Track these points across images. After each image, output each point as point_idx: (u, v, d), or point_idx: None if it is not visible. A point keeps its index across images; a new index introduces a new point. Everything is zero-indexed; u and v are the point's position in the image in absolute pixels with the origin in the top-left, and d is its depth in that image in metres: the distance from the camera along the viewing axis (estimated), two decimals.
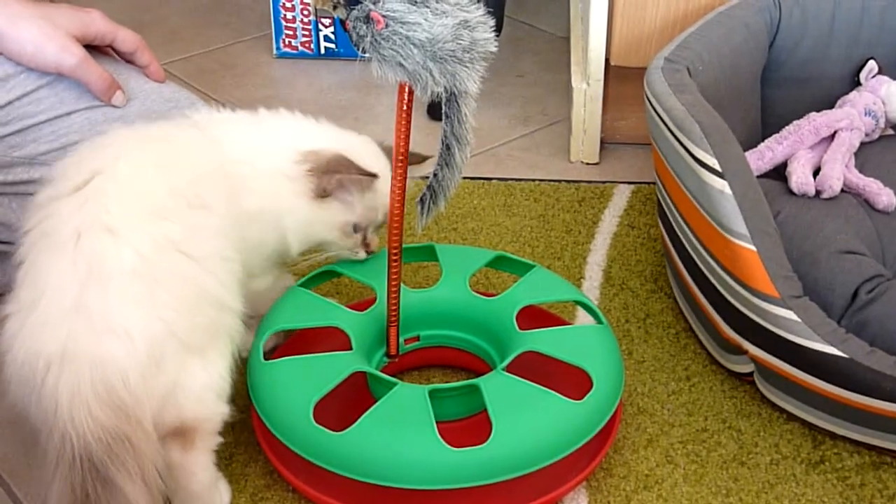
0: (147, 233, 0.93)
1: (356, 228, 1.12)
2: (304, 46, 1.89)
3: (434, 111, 1.63)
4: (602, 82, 1.55)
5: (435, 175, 0.98)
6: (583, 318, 1.25)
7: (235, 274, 1.01)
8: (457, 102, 0.94)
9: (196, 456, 0.95)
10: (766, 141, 1.33)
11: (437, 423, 0.95)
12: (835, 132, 1.31)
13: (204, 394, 0.95)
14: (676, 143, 1.13)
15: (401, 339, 1.11)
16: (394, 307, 1.06)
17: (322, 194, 1.09)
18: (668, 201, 1.21)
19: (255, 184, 1.08)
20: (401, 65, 0.90)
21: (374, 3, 0.89)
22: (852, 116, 1.32)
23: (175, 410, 0.93)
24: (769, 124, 1.41)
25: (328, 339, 1.11)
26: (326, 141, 1.11)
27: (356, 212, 1.10)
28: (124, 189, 0.95)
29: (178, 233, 0.95)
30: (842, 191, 1.24)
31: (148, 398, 0.89)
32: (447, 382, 1.16)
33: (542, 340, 1.06)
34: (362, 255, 1.14)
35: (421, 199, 1.00)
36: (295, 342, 1.16)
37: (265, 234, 1.09)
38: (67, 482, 0.85)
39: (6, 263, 1.29)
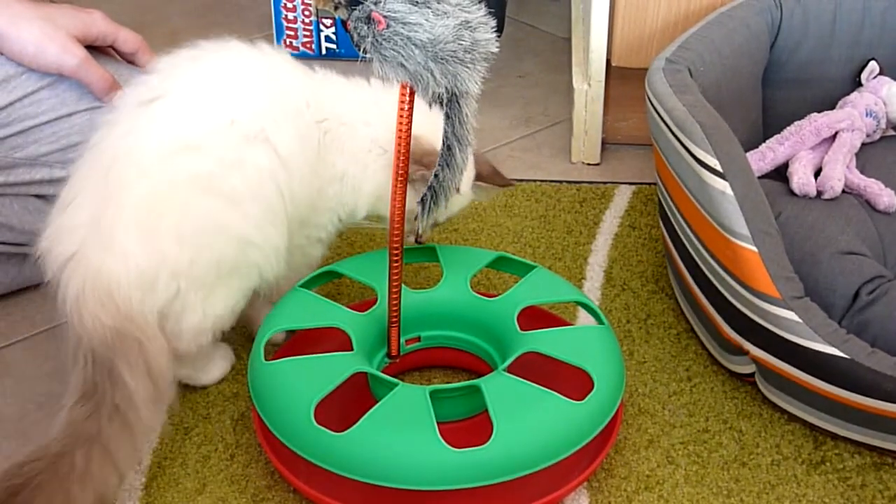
0: (170, 168, 1.01)
1: (416, 216, 1.11)
2: (306, 47, 1.90)
3: None
4: (603, 83, 1.55)
5: (436, 175, 0.98)
6: (584, 318, 1.25)
7: (277, 214, 1.06)
8: (458, 103, 0.94)
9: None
10: (767, 142, 1.33)
11: (438, 423, 0.95)
12: (836, 133, 1.31)
13: (189, 331, 1.05)
14: (677, 144, 1.13)
15: (402, 340, 1.11)
16: (395, 308, 1.06)
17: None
18: (670, 202, 1.21)
19: (350, 146, 1.13)
20: (402, 65, 0.90)
21: (375, 4, 0.89)
22: (853, 117, 1.32)
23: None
24: (770, 125, 1.41)
25: (329, 339, 1.12)
26: (430, 128, 1.06)
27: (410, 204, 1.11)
28: (173, 117, 1.04)
29: (208, 166, 1.02)
30: (843, 191, 1.24)
31: (147, 307, 0.99)
32: (448, 383, 1.16)
33: (543, 341, 1.06)
34: (411, 239, 1.18)
35: (422, 200, 1.00)
36: (296, 343, 1.16)
37: (345, 195, 1.15)
38: (81, 375, 0.96)
39: (8, 264, 1.29)
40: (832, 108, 1.38)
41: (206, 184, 1.02)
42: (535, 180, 1.54)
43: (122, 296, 0.98)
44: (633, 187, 1.52)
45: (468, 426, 1.03)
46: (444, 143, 0.96)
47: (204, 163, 1.03)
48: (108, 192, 1.00)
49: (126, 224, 0.99)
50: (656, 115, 1.19)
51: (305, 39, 1.89)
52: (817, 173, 1.26)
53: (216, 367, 1.17)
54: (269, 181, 1.06)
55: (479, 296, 1.14)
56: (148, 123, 1.03)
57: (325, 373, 1.01)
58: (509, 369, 1.03)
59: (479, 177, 1.17)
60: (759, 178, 1.24)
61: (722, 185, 1.07)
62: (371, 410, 0.97)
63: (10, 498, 0.90)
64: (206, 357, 1.15)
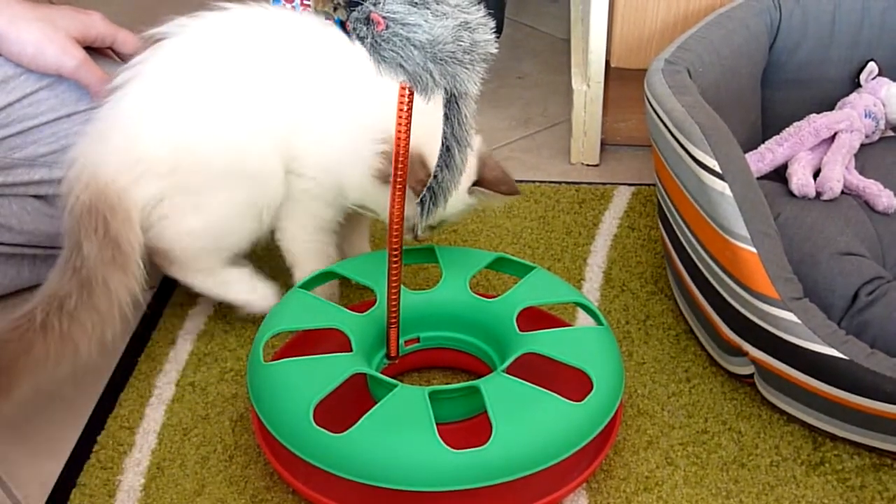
0: (166, 72, 1.14)
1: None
2: None
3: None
4: (602, 84, 1.55)
5: (435, 176, 0.98)
6: (583, 319, 1.25)
7: (272, 136, 1.13)
8: (457, 104, 0.94)
9: (177, 272, 1.19)
10: (766, 142, 1.33)
11: (437, 424, 0.95)
12: (835, 134, 1.31)
13: (183, 230, 1.15)
14: (676, 145, 1.13)
15: (401, 341, 1.11)
16: (394, 309, 1.06)
17: (382, 179, 1.12)
18: (669, 203, 1.21)
19: (350, 133, 1.15)
20: (401, 66, 0.90)
21: (374, 5, 0.89)
22: (852, 118, 1.32)
23: (158, 236, 1.14)
24: (769, 126, 1.41)
25: (328, 340, 1.11)
26: (421, 129, 1.00)
27: (408, 207, 1.11)
28: (183, 44, 1.16)
29: (203, 73, 1.13)
30: (842, 192, 1.24)
31: (131, 196, 1.11)
32: (447, 384, 1.16)
33: (543, 342, 1.06)
34: (408, 236, 1.16)
35: (421, 201, 1.00)
36: (295, 344, 1.16)
37: (337, 175, 1.17)
38: (66, 250, 1.09)
39: (7, 265, 1.29)
40: (831, 108, 1.38)
41: (198, 85, 1.13)
42: (534, 181, 1.54)
43: (106, 177, 1.09)
44: (633, 188, 1.52)
45: (467, 427, 1.03)
46: (443, 145, 0.96)
47: (199, 70, 1.13)
48: (113, 110, 1.13)
49: (117, 123, 1.12)
50: (655, 116, 1.19)
51: None
52: (816, 174, 1.26)
53: (263, 289, 1.22)
54: (264, 102, 1.12)
55: (479, 297, 1.14)
56: (162, 49, 1.16)
57: (324, 374, 1.01)
58: (508, 370, 1.03)
59: (481, 181, 1.15)
60: (758, 178, 1.24)
61: (721, 186, 1.07)
62: (370, 411, 0.97)
63: None
64: (245, 281, 1.22)
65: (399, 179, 0.98)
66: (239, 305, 1.22)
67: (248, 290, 1.22)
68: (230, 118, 1.13)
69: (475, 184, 1.14)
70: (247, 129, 1.13)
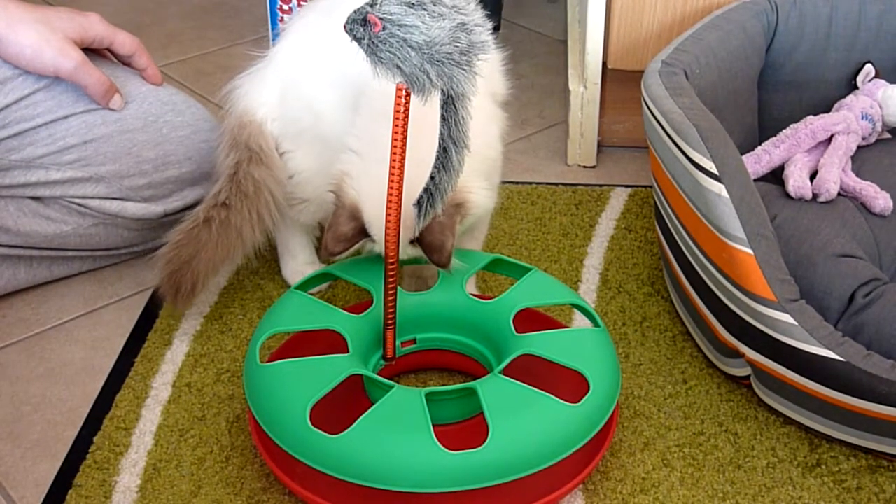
0: (297, 38, 1.23)
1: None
2: None
3: None
4: (599, 85, 1.55)
5: (432, 178, 0.98)
6: (579, 321, 1.25)
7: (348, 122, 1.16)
8: (454, 105, 0.94)
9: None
10: (763, 144, 1.33)
11: (433, 426, 0.95)
12: (831, 136, 1.31)
13: (300, 179, 1.24)
14: (673, 147, 1.13)
15: (397, 342, 1.11)
16: (391, 310, 1.06)
17: None
18: (665, 205, 1.21)
19: None
20: (398, 67, 0.90)
21: (371, 6, 0.89)
22: (849, 120, 1.32)
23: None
24: (766, 128, 1.41)
25: (325, 341, 1.11)
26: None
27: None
28: (326, 11, 1.21)
29: (317, 47, 1.21)
30: (838, 194, 1.24)
31: (268, 138, 1.22)
32: (444, 385, 1.16)
33: (539, 343, 1.06)
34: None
35: (418, 202, 1.00)
36: (291, 345, 1.16)
37: None
38: (218, 162, 1.24)
39: (3, 267, 1.29)
40: (828, 110, 1.38)
41: (309, 45, 1.21)
42: (531, 183, 1.55)
43: (254, 114, 1.22)
44: (629, 190, 1.52)
45: (464, 428, 1.03)
46: (440, 146, 0.96)
47: (317, 31, 1.20)
48: (268, 57, 1.26)
49: (265, 64, 1.24)
50: (652, 118, 1.19)
51: None
52: (813, 176, 1.26)
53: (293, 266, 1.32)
54: (354, 75, 1.11)
55: (475, 298, 1.14)
56: (317, 4, 1.25)
57: (320, 375, 1.01)
58: (505, 372, 1.03)
59: (420, 238, 1.07)
60: (755, 180, 1.25)
61: (718, 188, 1.07)
62: (367, 413, 0.97)
63: (167, 254, 1.20)
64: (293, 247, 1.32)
65: (396, 181, 0.98)
66: (281, 269, 1.34)
67: (291, 272, 1.32)
68: (319, 83, 1.19)
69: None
70: (330, 98, 1.18)
